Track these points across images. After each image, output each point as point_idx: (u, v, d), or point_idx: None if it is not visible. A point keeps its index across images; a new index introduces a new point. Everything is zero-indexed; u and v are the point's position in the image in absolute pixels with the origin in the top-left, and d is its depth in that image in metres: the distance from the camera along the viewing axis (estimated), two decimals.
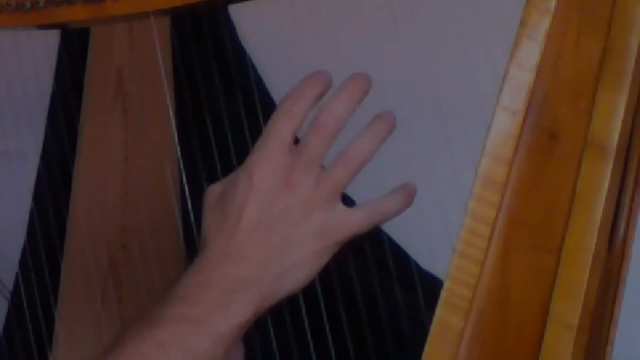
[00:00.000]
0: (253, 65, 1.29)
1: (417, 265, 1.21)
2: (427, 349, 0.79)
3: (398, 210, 0.80)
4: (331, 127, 0.78)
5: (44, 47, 1.26)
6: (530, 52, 0.81)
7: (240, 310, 0.77)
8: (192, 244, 1.13)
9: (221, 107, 1.20)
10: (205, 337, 0.76)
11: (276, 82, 1.28)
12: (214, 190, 0.80)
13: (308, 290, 1.09)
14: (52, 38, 1.29)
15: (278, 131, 0.78)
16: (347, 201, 0.80)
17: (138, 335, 0.76)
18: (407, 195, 0.80)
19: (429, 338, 0.79)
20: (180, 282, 0.78)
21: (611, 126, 0.78)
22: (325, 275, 1.10)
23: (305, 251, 0.78)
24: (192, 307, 0.76)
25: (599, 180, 0.77)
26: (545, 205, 0.80)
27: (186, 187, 1.14)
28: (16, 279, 1.28)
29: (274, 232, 0.77)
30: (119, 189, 1.27)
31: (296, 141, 0.79)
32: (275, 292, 0.78)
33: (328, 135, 0.78)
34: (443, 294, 0.79)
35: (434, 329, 0.79)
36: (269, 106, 1.18)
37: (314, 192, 0.77)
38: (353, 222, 0.79)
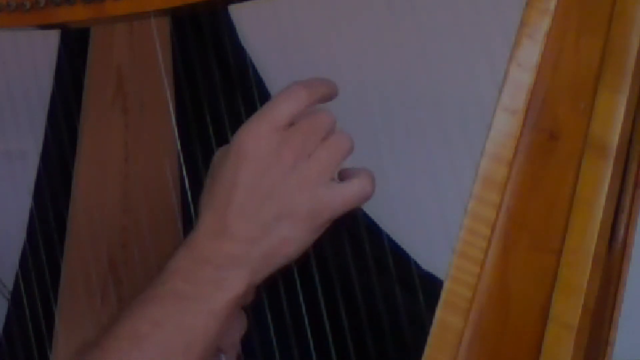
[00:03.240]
0: (253, 65, 1.29)
1: (417, 265, 1.21)
2: (427, 349, 0.79)
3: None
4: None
5: (44, 47, 1.26)
6: (530, 52, 0.81)
7: (232, 286, 0.77)
8: None
9: (221, 107, 1.20)
10: (200, 313, 0.77)
11: (276, 82, 1.28)
12: (213, 161, 0.80)
13: (308, 290, 1.10)
14: (52, 38, 1.29)
15: (277, 107, 0.78)
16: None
17: (134, 314, 0.77)
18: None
19: (429, 338, 0.79)
20: (174, 258, 0.78)
21: (611, 126, 0.78)
22: (325, 275, 1.11)
23: (295, 227, 0.77)
24: (185, 283, 0.77)
25: (599, 181, 0.77)
26: (545, 206, 0.80)
27: (186, 187, 1.14)
28: (16, 279, 1.28)
29: (263, 208, 0.77)
30: (119, 189, 1.27)
31: None
32: (267, 267, 0.78)
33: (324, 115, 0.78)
34: (443, 294, 0.79)
35: (433, 329, 0.79)
36: None
37: (305, 169, 0.77)
38: (345, 197, 0.78)
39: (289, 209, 0.77)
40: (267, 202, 0.77)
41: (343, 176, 0.80)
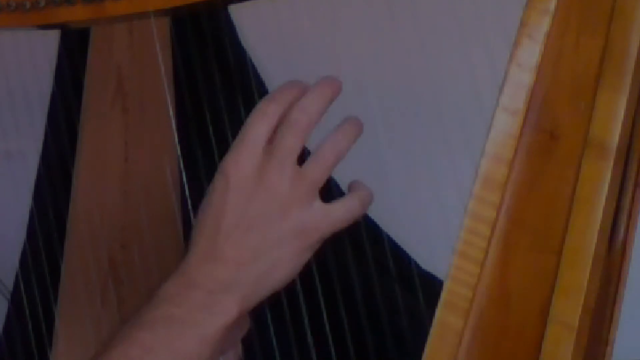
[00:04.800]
0: (253, 65, 1.29)
1: (417, 265, 1.21)
2: (427, 349, 0.79)
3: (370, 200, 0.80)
4: (303, 124, 0.78)
5: (44, 47, 1.26)
6: (530, 52, 0.81)
7: (224, 311, 0.77)
8: None
9: (221, 107, 1.20)
10: (191, 338, 0.77)
11: (276, 82, 1.28)
12: (210, 185, 0.80)
13: (308, 290, 1.10)
14: (52, 38, 1.29)
15: (253, 131, 0.78)
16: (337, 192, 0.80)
17: (125, 339, 0.77)
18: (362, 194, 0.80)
19: (429, 338, 0.79)
20: (166, 284, 0.79)
21: (611, 126, 0.78)
22: (325, 275, 1.11)
23: (284, 250, 0.78)
24: (177, 308, 0.77)
25: (599, 181, 0.77)
26: (545, 206, 0.80)
27: (186, 187, 1.14)
28: (16, 279, 1.28)
29: (251, 232, 0.77)
30: (119, 189, 1.27)
31: None
32: (258, 292, 0.79)
33: (300, 132, 0.78)
34: (443, 294, 0.79)
35: (434, 329, 0.79)
36: None
37: (290, 191, 0.78)
38: (332, 218, 0.79)
39: (276, 233, 0.78)
40: (255, 228, 0.78)
41: (349, 188, 0.80)
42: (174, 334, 0.77)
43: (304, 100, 0.79)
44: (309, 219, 0.78)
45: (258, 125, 0.79)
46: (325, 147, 0.79)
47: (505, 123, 0.80)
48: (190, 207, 1.10)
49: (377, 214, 1.22)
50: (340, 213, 0.79)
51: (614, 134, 0.78)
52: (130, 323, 0.78)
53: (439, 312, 0.79)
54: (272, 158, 0.78)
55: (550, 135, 0.80)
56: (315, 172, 0.79)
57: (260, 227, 0.77)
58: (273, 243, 0.78)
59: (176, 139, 1.16)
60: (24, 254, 1.28)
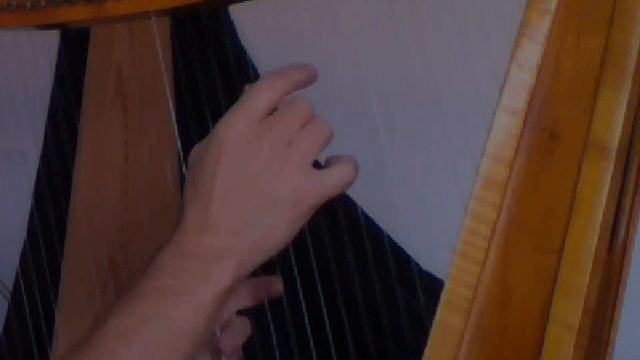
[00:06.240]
0: (253, 65, 1.29)
1: (417, 265, 1.21)
2: (428, 350, 0.79)
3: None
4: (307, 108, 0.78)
5: (44, 47, 1.26)
6: (531, 52, 0.81)
7: (219, 279, 0.77)
8: None
9: (221, 106, 1.19)
10: (187, 308, 0.77)
11: None
12: (192, 155, 0.80)
13: (308, 290, 1.09)
14: (52, 38, 1.29)
15: (253, 99, 0.78)
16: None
17: (121, 311, 0.77)
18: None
19: (429, 338, 0.79)
20: (160, 255, 0.79)
21: (612, 126, 0.78)
22: (325, 275, 1.11)
23: (279, 217, 0.78)
24: (171, 278, 0.77)
25: (600, 181, 0.77)
26: (545, 206, 0.80)
27: None
28: (16, 279, 1.28)
29: (246, 199, 0.77)
30: (119, 188, 1.27)
31: None
32: (252, 259, 0.79)
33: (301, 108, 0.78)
34: (443, 294, 0.79)
35: (434, 329, 0.79)
36: None
37: (285, 158, 0.77)
38: (327, 185, 0.79)
39: (271, 198, 0.77)
40: (249, 193, 0.77)
41: (328, 163, 0.80)
42: (169, 303, 0.77)
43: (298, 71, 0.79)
44: (303, 186, 0.78)
45: (261, 95, 0.78)
46: (319, 120, 0.79)
47: (506, 123, 0.80)
48: None
49: (377, 214, 1.22)
50: (334, 179, 0.79)
51: (615, 134, 0.78)
52: (125, 295, 0.78)
53: (439, 312, 0.79)
54: (270, 127, 0.77)
55: (551, 135, 0.80)
56: (307, 140, 0.78)
57: (255, 193, 0.77)
58: (268, 209, 0.77)
59: (176, 139, 1.16)
60: (24, 254, 1.28)
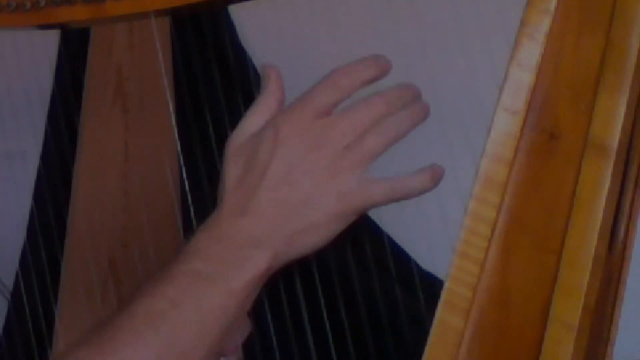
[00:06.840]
0: (253, 65, 1.29)
1: (417, 265, 1.21)
2: (428, 349, 0.79)
3: (421, 190, 0.79)
4: (382, 107, 0.77)
5: (44, 47, 1.26)
6: (531, 52, 0.81)
7: (253, 266, 0.76)
8: None
9: (221, 107, 1.20)
10: (217, 293, 0.75)
11: None
12: (234, 141, 0.79)
13: (308, 290, 1.10)
14: (52, 38, 1.29)
15: (317, 96, 0.77)
16: None
17: (149, 293, 0.75)
18: (433, 176, 0.78)
19: (429, 338, 0.79)
20: (194, 238, 0.77)
21: (611, 126, 0.78)
22: (325, 275, 1.11)
23: (322, 214, 0.77)
24: (204, 262, 0.76)
25: (600, 181, 0.77)
26: (545, 206, 0.80)
27: (186, 187, 1.14)
28: (16, 279, 1.28)
29: (295, 190, 0.76)
30: (119, 188, 1.27)
31: None
32: (287, 252, 0.77)
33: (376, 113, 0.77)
34: (443, 294, 0.79)
35: (434, 329, 0.79)
36: None
37: (342, 157, 0.76)
38: (374, 193, 0.77)
39: (318, 196, 0.76)
40: (298, 188, 0.76)
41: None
42: (201, 288, 0.75)
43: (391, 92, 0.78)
44: (353, 187, 0.77)
45: (323, 92, 0.77)
46: (388, 122, 0.78)
47: (506, 123, 0.80)
48: (190, 207, 1.10)
49: (377, 214, 1.22)
50: (383, 190, 0.78)
51: (614, 134, 0.78)
52: (154, 278, 0.76)
53: (439, 312, 0.79)
54: (329, 128, 0.77)
55: (550, 135, 0.80)
56: (371, 144, 0.77)
57: (304, 187, 0.76)
58: (313, 205, 0.76)
59: (176, 139, 1.16)
60: (24, 254, 1.28)
